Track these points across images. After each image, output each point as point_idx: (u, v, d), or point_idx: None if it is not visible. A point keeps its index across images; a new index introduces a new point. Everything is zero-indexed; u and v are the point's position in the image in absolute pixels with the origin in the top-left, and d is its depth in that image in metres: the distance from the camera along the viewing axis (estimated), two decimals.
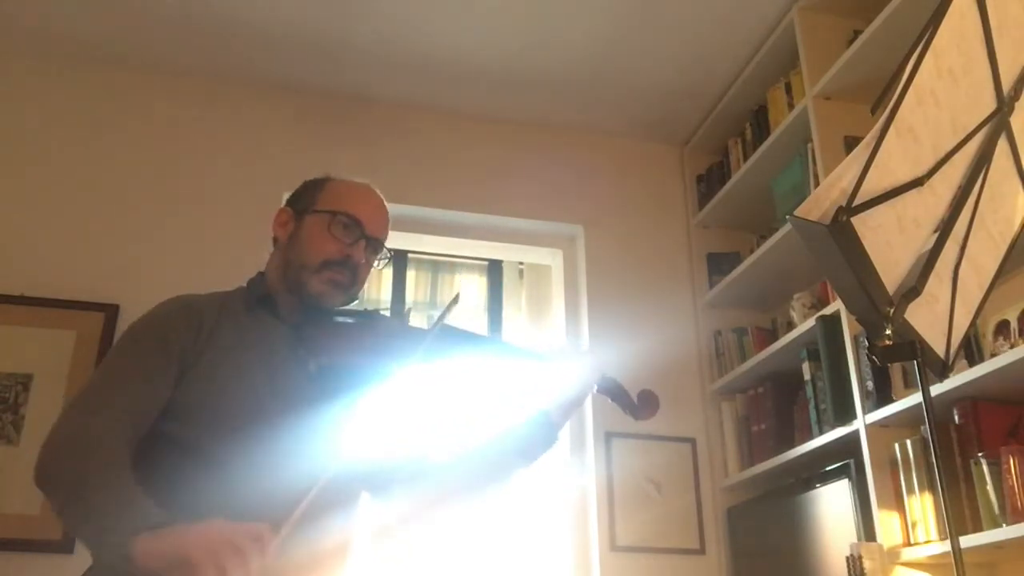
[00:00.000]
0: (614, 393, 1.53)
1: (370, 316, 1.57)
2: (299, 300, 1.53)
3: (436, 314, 1.49)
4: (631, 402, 1.51)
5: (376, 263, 1.61)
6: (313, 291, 1.51)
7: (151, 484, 1.34)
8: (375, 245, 1.58)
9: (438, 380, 1.50)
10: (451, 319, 1.45)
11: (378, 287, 3.30)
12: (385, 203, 1.63)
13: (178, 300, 1.51)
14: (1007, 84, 1.33)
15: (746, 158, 3.19)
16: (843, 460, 2.45)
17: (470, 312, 3.37)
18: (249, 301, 1.54)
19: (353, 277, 1.54)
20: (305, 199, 1.60)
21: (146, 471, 1.37)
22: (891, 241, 1.24)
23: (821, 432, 2.61)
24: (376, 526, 1.53)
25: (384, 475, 1.53)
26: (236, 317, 1.51)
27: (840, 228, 1.15)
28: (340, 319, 1.53)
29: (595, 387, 1.53)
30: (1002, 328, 2.16)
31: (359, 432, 1.41)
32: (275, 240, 1.61)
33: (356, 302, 1.62)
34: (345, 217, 1.54)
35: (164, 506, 1.29)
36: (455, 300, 1.42)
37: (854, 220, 1.16)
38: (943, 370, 1.42)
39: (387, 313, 1.87)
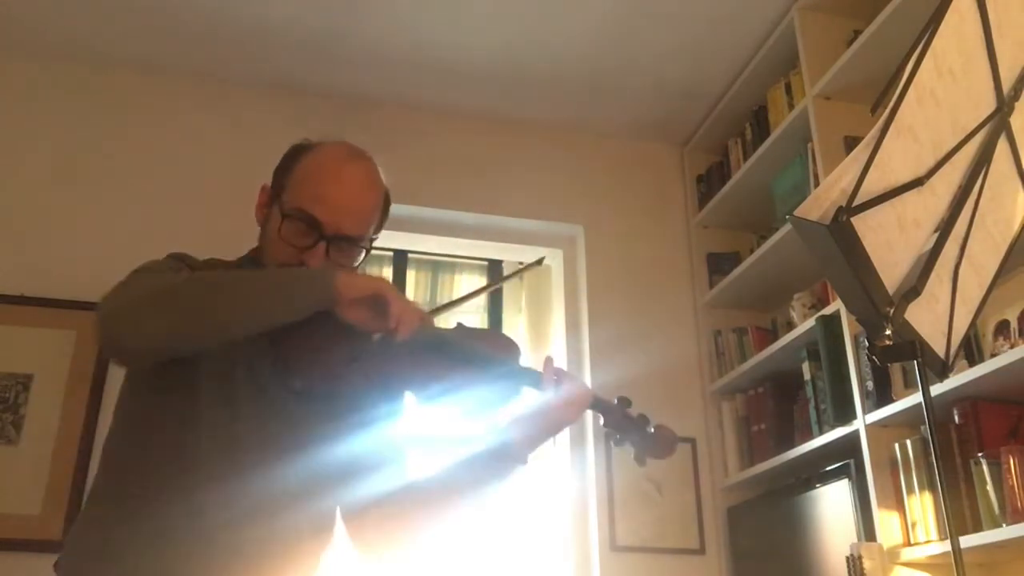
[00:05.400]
0: (622, 428, 1.35)
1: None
2: None
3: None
4: (642, 438, 1.33)
5: (357, 258, 1.39)
6: None
7: (134, 471, 1.31)
8: (342, 243, 1.35)
9: (415, 399, 1.38)
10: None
11: None
12: (369, 177, 1.41)
13: (178, 255, 1.41)
14: (1007, 84, 1.33)
15: (746, 158, 3.19)
16: (843, 460, 2.45)
17: (470, 312, 3.37)
18: None
19: None
20: (280, 176, 1.42)
21: (120, 467, 1.34)
22: (891, 241, 1.24)
23: (821, 432, 2.61)
24: (354, 546, 1.46)
25: (358, 491, 1.41)
26: None
27: (840, 228, 1.15)
28: (327, 320, 1.30)
29: (599, 420, 1.38)
30: (1002, 328, 2.16)
31: (337, 447, 1.33)
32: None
33: None
34: (299, 215, 1.33)
35: (144, 494, 1.27)
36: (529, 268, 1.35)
37: (854, 220, 1.16)
38: (943, 370, 1.42)
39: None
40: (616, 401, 1.39)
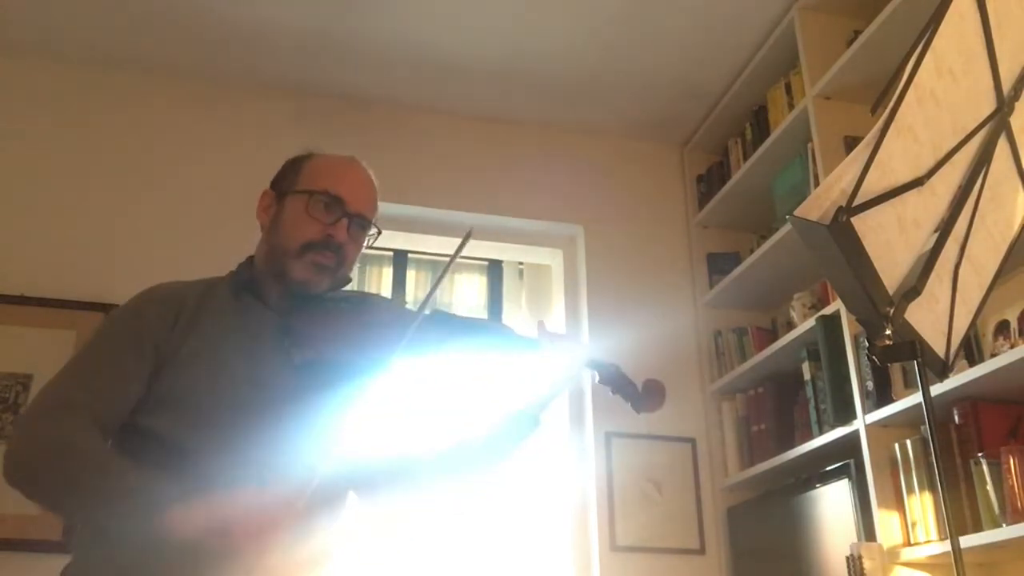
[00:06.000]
0: (616, 383, 1.46)
1: (362, 302, 1.51)
2: (285, 287, 1.47)
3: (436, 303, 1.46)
4: (635, 392, 1.45)
5: (366, 240, 1.54)
6: (297, 277, 1.45)
7: None
8: (360, 222, 1.51)
9: (424, 372, 1.46)
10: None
11: (378, 287, 3.30)
12: (371, 176, 1.57)
13: (156, 291, 1.47)
14: (1007, 84, 1.33)
15: (746, 158, 3.19)
16: (843, 460, 2.45)
17: (470, 313, 3.37)
18: (236, 287, 1.50)
19: (339, 258, 1.47)
20: (286, 179, 1.54)
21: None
22: (891, 241, 1.24)
23: (821, 432, 2.61)
24: (362, 522, 1.51)
25: (368, 470, 1.49)
26: (221, 304, 1.46)
27: (840, 228, 1.15)
28: (330, 306, 1.46)
29: (595, 377, 1.48)
30: (1002, 328, 2.16)
31: (343, 427, 1.37)
32: (262, 225, 1.56)
33: (350, 284, 1.56)
34: (324, 196, 1.47)
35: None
36: (468, 235, 1.40)
37: (854, 220, 1.16)
38: (943, 370, 1.42)
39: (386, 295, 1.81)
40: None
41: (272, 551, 1.15)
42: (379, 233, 1.56)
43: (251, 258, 1.56)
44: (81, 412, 1.31)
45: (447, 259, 3.39)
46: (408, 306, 1.55)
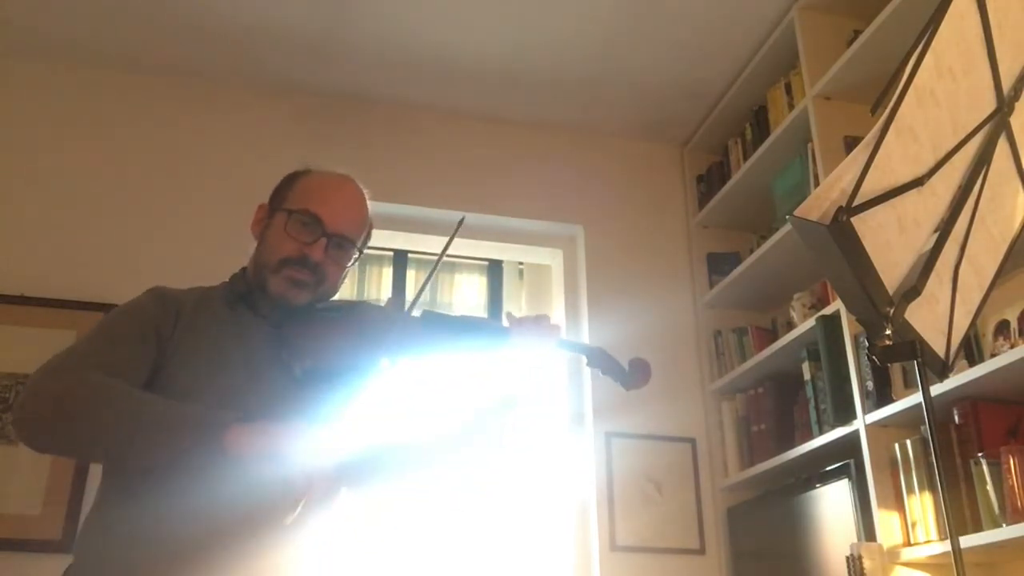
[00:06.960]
0: (604, 364, 1.51)
1: (352, 309, 1.54)
2: (270, 299, 1.50)
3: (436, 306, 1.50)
4: (622, 371, 1.50)
5: (349, 261, 1.55)
6: (273, 291, 1.47)
7: (131, 475, 1.34)
8: (338, 242, 1.51)
9: (414, 369, 1.50)
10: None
11: (378, 287, 3.30)
12: (362, 196, 1.58)
13: (155, 290, 1.51)
14: (1007, 84, 1.33)
15: (746, 158, 3.19)
16: (843, 460, 2.45)
17: (468, 313, 3.37)
18: (230, 298, 1.52)
19: (317, 275, 1.48)
20: (279, 195, 1.57)
21: (121, 471, 1.37)
22: (891, 241, 1.24)
23: (821, 432, 2.61)
24: (360, 521, 1.56)
25: (362, 467, 1.50)
26: (216, 311, 1.49)
27: (840, 228, 1.15)
28: (322, 316, 1.49)
29: (585, 360, 1.52)
30: (1002, 328, 2.16)
31: (342, 432, 1.40)
32: (255, 237, 1.58)
33: (334, 296, 1.58)
34: (303, 215, 1.49)
35: (140, 495, 1.32)
36: (461, 222, 1.46)
37: (854, 220, 1.16)
38: (943, 370, 1.42)
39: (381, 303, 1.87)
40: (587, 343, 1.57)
41: (319, 489, 1.21)
42: (360, 256, 1.57)
43: (244, 269, 1.58)
44: (97, 368, 1.32)
45: (448, 259, 3.42)
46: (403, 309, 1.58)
